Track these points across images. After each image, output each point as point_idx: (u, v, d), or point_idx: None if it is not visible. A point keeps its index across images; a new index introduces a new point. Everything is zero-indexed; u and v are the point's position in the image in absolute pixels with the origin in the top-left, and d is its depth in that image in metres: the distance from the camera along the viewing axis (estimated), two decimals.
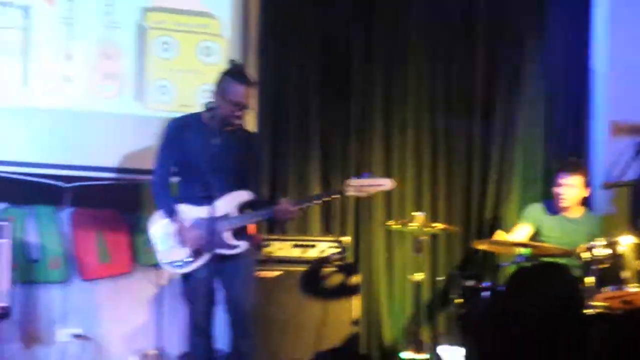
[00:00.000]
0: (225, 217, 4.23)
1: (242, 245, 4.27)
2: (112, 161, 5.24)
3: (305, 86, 5.71)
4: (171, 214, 4.33)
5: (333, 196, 4.95)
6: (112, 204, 5.42)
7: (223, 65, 4.82)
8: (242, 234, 4.33)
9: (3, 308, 4.85)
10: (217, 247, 4.24)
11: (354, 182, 4.47)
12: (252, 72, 5.49)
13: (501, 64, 6.02)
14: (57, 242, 5.41)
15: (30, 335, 5.34)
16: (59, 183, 5.29)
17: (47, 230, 5.38)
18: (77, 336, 5.41)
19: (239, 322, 4.43)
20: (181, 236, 4.28)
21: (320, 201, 5.13)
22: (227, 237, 4.27)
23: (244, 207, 4.36)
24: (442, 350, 5.17)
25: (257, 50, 5.65)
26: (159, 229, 4.36)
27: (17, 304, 5.09)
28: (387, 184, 4.72)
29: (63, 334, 5.38)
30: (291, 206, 4.44)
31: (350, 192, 4.49)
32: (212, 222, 4.11)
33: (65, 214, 5.42)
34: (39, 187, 5.27)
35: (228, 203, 4.25)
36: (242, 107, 4.30)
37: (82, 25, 5.25)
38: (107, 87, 5.31)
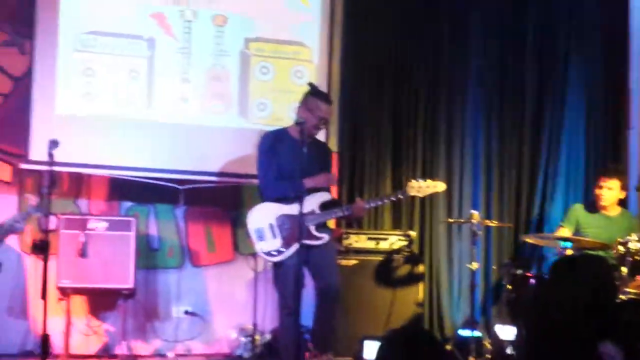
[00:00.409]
0: (311, 213, 4.61)
1: (325, 237, 4.68)
2: (218, 167, 5.60)
3: (379, 104, 5.97)
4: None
5: (399, 196, 5.20)
6: (217, 203, 5.82)
7: None
8: (325, 228, 4.77)
9: (129, 289, 5.30)
10: (305, 239, 4.49)
11: (414, 184, 4.90)
12: (335, 91, 5.84)
13: (549, 80, 6.21)
14: (173, 234, 5.89)
15: (151, 312, 5.79)
16: (175, 186, 5.68)
17: (165, 224, 5.86)
18: (188, 313, 5.79)
19: (324, 303, 4.79)
20: (275, 230, 4.70)
21: (388, 200, 5.48)
22: (313, 230, 4.66)
23: (325, 205, 4.75)
24: (499, 328, 5.34)
25: (340, 73, 5.89)
26: (256, 223, 4.73)
27: (141, 286, 5.54)
28: (440, 186, 5.06)
29: (177, 311, 5.81)
30: (365, 205, 4.91)
31: (412, 193, 4.91)
32: (300, 218, 4.42)
33: (180, 211, 5.88)
34: (159, 189, 5.67)
35: (313, 202, 4.66)
36: (326, 122, 4.80)
37: (196, 54, 5.66)
38: (216, 105, 5.71)
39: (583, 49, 6.27)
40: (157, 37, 5.58)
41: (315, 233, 4.67)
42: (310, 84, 4.92)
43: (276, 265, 4.74)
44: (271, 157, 4.79)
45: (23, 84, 5.49)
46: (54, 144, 3.97)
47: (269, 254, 4.70)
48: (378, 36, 6.01)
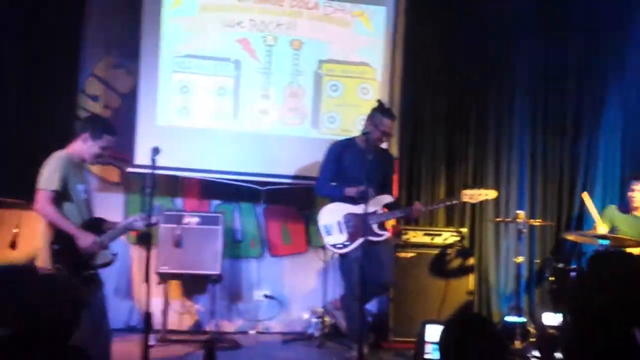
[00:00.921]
0: (374, 213, 4.87)
1: (385, 234, 4.98)
2: (293, 171, 5.80)
3: (434, 115, 6.15)
4: (343, 195, 4.91)
5: (453, 201, 5.37)
6: (292, 202, 6.02)
7: (375, 102, 5.45)
8: (385, 226, 5.05)
9: (217, 275, 5.50)
10: (368, 235, 4.69)
11: (468, 192, 5.08)
12: (395, 105, 5.97)
13: (588, 96, 6.28)
14: (254, 228, 6.10)
15: (235, 295, 6.00)
16: (257, 187, 5.87)
17: (247, 220, 6.08)
18: (267, 296, 6.01)
19: (381, 290, 5.11)
20: (342, 226, 4.98)
21: (443, 205, 5.63)
22: (375, 228, 4.92)
23: (387, 207, 5.03)
24: (545, 315, 5.31)
25: (400, 90, 6.08)
26: (325, 220, 5.01)
27: (226, 273, 5.80)
28: (491, 194, 5.16)
29: (257, 295, 6.01)
30: (422, 208, 5.09)
31: (465, 199, 5.09)
32: (364, 217, 4.67)
33: (260, 209, 6.08)
34: (243, 190, 5.90)
35: (376, 203, 4.93)
36: (388, 135, 5.06)
37: (275, 73, 5.87)
38: (292, 118, 5.90)
39: (622, 65, 6.28)
40: (242, 59, 5.83)
41: (377, 231, 4.95)
42: (379, 101, 5.19)
43: (342, 256, 5.00)
44: (333, 162, 5.08)
45: (129, 99, 5.82)
46: (155, 151, 4.07)
47: (335, 246, 5.00)
48: (433, 57, 6.17)
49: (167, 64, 5.75)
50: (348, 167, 5.02)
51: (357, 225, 4.90)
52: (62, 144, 5.55)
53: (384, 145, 5.31)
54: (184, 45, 5.78)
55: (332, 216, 5.02)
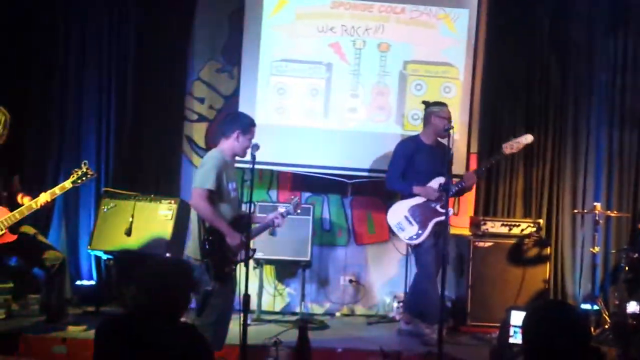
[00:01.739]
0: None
1: (450, 210, 5.08)
2: (379, 165, 5.80)
3: (513, 112, 6.17)
4: (411, 192, 5.13)
5: (498, 158, 5.34)
6: (377, 194, 6.00)
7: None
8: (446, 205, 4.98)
9: (307, 261, 5.68)
10: (434, 217, 5.07)
11: (507, 144, 5.17)
12: (476, 102, 6.08)
13: None
14: (341, 219, 6.21)
15: (323, 280, 6.10)
16: (344, 180, 5.98)
17: (335, 211, 6.20)
18: (352, 281, 6.11)
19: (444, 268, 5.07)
20: (410, 219, 5.15)
21: (489, 164, 5.46)
22: (438, 208, 5.11)
23: (442, 187, 5.02)
24: (625, 303, 5.18)
25: (481, 88, 6.15)
26: (394, 219, 5.19)
27: (315, 259, 5.90)
28: (528, 137, 5.23)
29: (343, 280, 6.12)
30: (473, 173, 5.32)
31: (507, 151, 5.17)
32: (428, 203, 5.12)
33: (347, 200, 6.18)
34: (331, 183, 5.99)
35: (434, 184, 5.12)
36: (450, 120, 5.08)
37: (364, 74, 5.98)
38: (378, 115, 6.01)
39: None
40: (334, 62, 5.97)
41: (440, 210, 5.11)
42: (424, 102, 5.39)
43: (416, 247, 5.16)
44: (402, 158, 5.26)
45: (231, 101, 6.03)
46: (255, 147, 4.14)
47: (411, 239, 5.17)
48: (513, 57, 6.19)
49: (266, 68, 5.93)
50: (417, 162, 5.20)
51: (423, 213, 5.13)
52: (172, 140, 5.99)
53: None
54: (280, 51, 5.95)
55: (399, 214, 5.22)
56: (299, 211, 4.75)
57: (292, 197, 4.71)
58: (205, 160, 4.27)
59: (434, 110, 5.23)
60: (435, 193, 5.10)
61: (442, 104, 5.29)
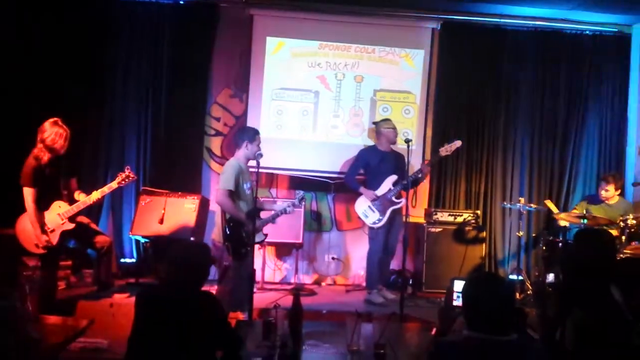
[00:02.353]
0: (389, 190, 5.19)
1: (402, 201, 5.12)
2: None
3: (458, 131, 6.01)
4: (358, 189, 5.24)
5: (437, 157, 5.38)
6: (354, 191, 5.57)
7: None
8: (400, 195, 5.16)
9: (300, 243, 5.71)
10: (391, 206, 5.13)
11: (442, 147, 5.29)
12: (430, 121, 6.03)
13: (573, 112, 6.18)
14: (326, 210, 6.16)
15: (312, 257, 6.09)
16: (328, 180, 5.95)
17: (321, 204, 6.15)
18: (334, 258, 6.09)
19: (392, 248, 5.33)
20: (373, 208, 5.21)
21: (435, 160, 5.53)
22: (393, 199, 5.18)
23: (395, 183, 5.20)
24: (548, 276, 5.13)
25: (433, 111, 6.11)
26: (360, 208, 5.27)
27: (306, 242, 5.91)
28: (458, 143, 5.31)
29: (327, 257, 6.11)
30: (426, 165, 5.40)
31: (442, 152, 5.28)
32: (385, 195, 5.13)
33: (330, 196, 6.13)
34: (319, 182, 5.96)
35: (388, 182, 5.20)
36: (395, 130, 5.31)
37: (343, 99, 5.95)
38: (354, 131, 5.97)
39: (598, 89, 6.21)
40: (320, 90, 5.94)
41: (395, 200, 5.18)
42: (374, 122, 5.53)
43: (374, 229, 5.22)
44: (360, 162, 5.36)
45: (241, 120, 6.01)
46: (259, 155, 4.24)
47: (374, 223, 5.23)
48: (457, 86, 6.14)
49: (268, 94, 5.91)
50: (374, 165, 5.29)
51: (382, 203, 5.18)
52: (195, 150, 5.95)
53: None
54: (279, 81, 5.92)
55: (363, 204, 5.28)
56: (303, 203, 4.86)
57: (298, 192, 4.74)
58: (226, 168, 4.30)
59: (382, 125, 5.35)
60: (372, 196, 5.18)
61: (387, 120, 5.43)
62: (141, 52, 5.90)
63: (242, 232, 4.20)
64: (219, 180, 4.31)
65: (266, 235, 4.40)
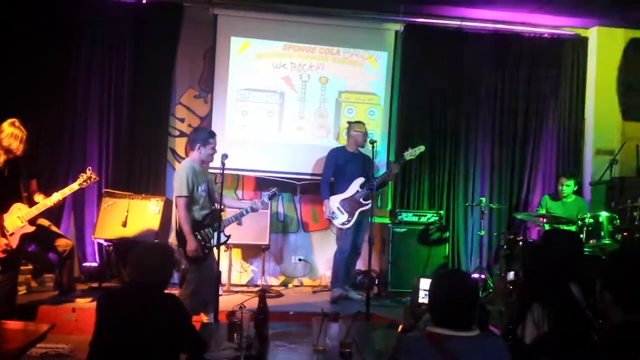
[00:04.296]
0: (357, 192, 5.21)
1: (369, 204, 5.12)
2: (320, 170, 5.48)
3: (421, 133, 6.12)
4: (327, 197, 5.22)
5: (403, 160, 5.38)
6: (320, 192, 5.52)
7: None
8: (368, 198, 5.18)
9: (266, 245, 5.65)
10: (359, 207, 5.15)
11: (407, 152, 5.34)
12: (394, 121, 6.05)
13: (532, 114, 6.31)
14: (292, 211, 6.14)
15: (278, 259, 6.07)
16: (294, 182, 5.96)
17: (287, 205, 6.13)
18: (301, 260, 6.09)
19: (356, 253, 5.39)
20: (342, 209, 5.22)
21: (402, 163, 5.46)
22: (361, 200, 5.20)
23: (362, 185, 5.23)
24: (509, 274, 4.99)
25: (397, 111, 6.15)
26: (331, 206, 5.25)
27: (272, 243, 5.87)
28: (421, 147, 5.37)
29: (294, 259, 6.10)
30: (395, 167, 5.37)
31: (407, 157, 5.35)
32: (353, 197, 5.16)
33: (297, 197, 6.12)
34: (285, 183, 5.89)
35: (356, 185, 5.23)
36: (365, 134, 5.30)
37: (309, 100, 5.95)
38: (320, 132, 5.99)
39: (556, 90, 6.32)
40: (285, 91, 5.93)
41: (363, 202, 5.20)
42: (348, 122, 5.50)
43: (342, 229, 5.23)
44: (331, 163, 5.33)
45: (206, 120, 5.96)
46: (224, 156, 4.09)
47: (343, 224, 5.24)
48: (420, 89, 6.19)
49: (233, 95, 5.86)
50: (343, 166, 5.30)
51: (350, 205, 5.21)
52: (159, 151, 5.85)
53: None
54: (244, 82, 5.88)
55: (332, 205, 5.26)
56: (274, 200, 4.72)
57: (272, 188, 4.63)
58: (178, 171, 4.20)
59: (353, 127, 5.36)
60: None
61: (360, 123, 5.40)
62: (103, 51, 5.80)
63: (197, 237, 4.12)
64: (174, 185, 4.17)
65: (228, 236, 4.29)
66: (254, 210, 4.46)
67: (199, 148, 4.20)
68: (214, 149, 4.25)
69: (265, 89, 5.90)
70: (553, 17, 6.05)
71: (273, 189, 4.59)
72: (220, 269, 4.19)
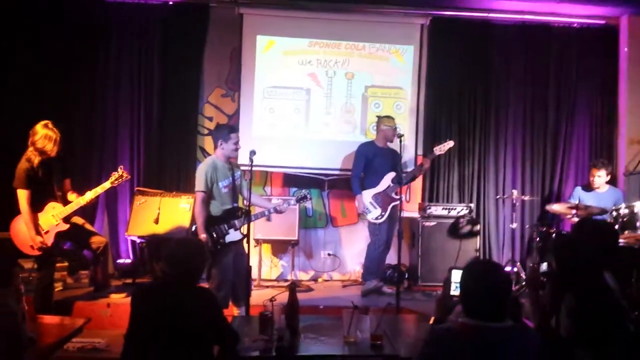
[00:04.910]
0: (388, 187, 5.20)
1: (401, 197, 5.12)
2: (348, 165, 5.61)
3: (449, 126, 6.11)
4: (359, 192, 5.21)
5: (434, 156, 5.39)
6: (348, 187, 5.61)
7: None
8: (398, 192, 5.16)
9: (295, 240, 5.67)
10: (391, 202, 5.15)
11: (436, 147, 5.34)
12: (421, 115, 5.99)
13: (563, 104, 6.19)
14: (321, 207, 6.14)
15: (308, 254, 6.08)
16: (322, 177, 5.99)
17: (316, 201, 6.10)
18: (330, 255, 6.08)
19: (389, 242, 5.28)
20: (374, 204, 5.20)
21: (431, 158, 5.42)
22: (393, 195, 5.19)
23: (394, 180, 5.21)
24: (542, 266, 4.87)
25: (424, 106, 6.09)
26: (364, 201, 5.23)
27: (301, 238, 5.91)
28: (451, 143, 5.38)
29: (323, 254, 6.10)
30: (426, 163, 5.37)
31: (437, 153, 5.33)
32: (385, 191, 5.16)
33: (325, 193, 6.13)
34: (313, 179, 5.98)
35: (387, 180, 5.21)
36: (395, 129, 5.24)
37: (335, 96, 5.94)
38: (346, 128, 5.98)
39: (587, 79, 6.20)
40: (312, 88, 5.94)
41: (394, 197, 5.20)
42: (377, 116, 5.48)
43: (376, 224, 5.20)
44: (361, 158, 5.30)
45: (233, 118, 5.99)
46: (252, 153, 4.16)
47: (376, 218, 5.21)
48: (447, 81, 6.13)
49: (259, 93, 5.89)
50: (373, 161, 5.28)
51: (383, 199, 5.18)
52: (187, 149, 5.92)
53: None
54: (270, 79, 5.90)
55: (365, 200, 5.24)
56: (304, 203, 4.66)
57: (304, 191, 4.59)
58: (199, 168, 4.28)
59: (383, 122, 5.33)
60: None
61: (390, 118, 5.37)
62: (132, 52, 5.88)
63: (211, 231, 4.17)
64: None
65: (245, 235, 4.25)
66: (277, 211, 4.45)
67: (221, 144, 4.26)
68: (236, 144, 4.28)
69: (291, 86, 5.91)
70: (582, 6, 5.93)
71: (304, 192, 4.54)
72: (250, 265, 4.18)
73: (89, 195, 4.50)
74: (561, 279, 2.64)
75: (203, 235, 4.12)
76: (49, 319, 3.29)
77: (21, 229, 4.37)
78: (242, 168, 4.54)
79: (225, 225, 4.23)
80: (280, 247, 6.01)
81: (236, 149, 4.31)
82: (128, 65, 5.88)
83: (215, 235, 4.19)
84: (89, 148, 5.83)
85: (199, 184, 4.17)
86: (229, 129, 4.37)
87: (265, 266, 5.93)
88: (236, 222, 4.24)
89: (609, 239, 2.81)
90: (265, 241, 5.78)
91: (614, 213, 4.98)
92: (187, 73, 5.93)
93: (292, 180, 6.06)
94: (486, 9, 6.04)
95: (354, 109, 5.98)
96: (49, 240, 4.41)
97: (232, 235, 4.23)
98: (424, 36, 6.03)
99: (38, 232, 4.36)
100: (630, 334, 2.40)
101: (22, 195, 4.29)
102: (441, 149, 5.33)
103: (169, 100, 5.91)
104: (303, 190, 4.55)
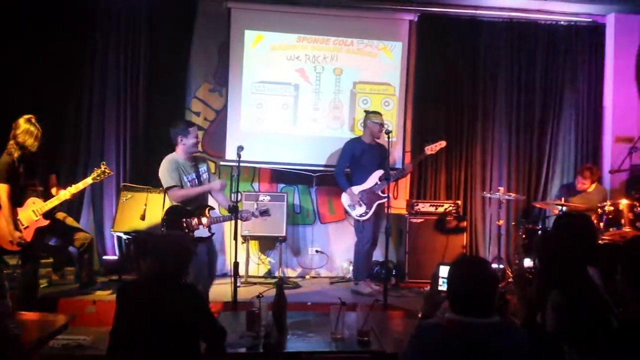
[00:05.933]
0: (375, 184, 5.19)
1: (388, 195, 4.93)
2: (336, 161, 5.47)
3: (437, 122, 6.09)
4: (348, 187, 5.21)
5: (423, 156, 5.34)
6: (335, 183, 5.46)
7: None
8: (384, 191, 5.13)
9: (283, 236, 5.65)
10: (377, 200, 5.14)
11: (428, 146, 5.28)
12: (409, 112, 6.01)
13: (549, 103, 6.23)
14: (308, 203, 6.14)
15: (295, 250, 6.07)
16: (310, 173, 5.96)
17: (304, 197, 6.12)
18: (318, 251, 6.08)
19: (376, 239, 5.33)
20: (360, 200, 5.19)
21: (419, 160, 5.48)
22: (379, 193, 5.18)
23: (381, 178, 5.20)
24: (525, 261, 4.88)
25: (412, 101, 6.13)
26: (347, 201, 5.25)
27: (289, 235, 5.89)
28: (443, 143, 5.33)
29: (311, 250, 6.10)
30: (411, 165, 5.40)
31: (428, 152, 5.28)
32: (372, 189, 5.14)
33: (313, 189, 6.12)
34: (300, 175, 5.96)
35: (375, 177, 5.20)
36: (382, 125, 5.23)
37: (323, 92, 5.92)
38: (334, 124, 5.96)
39: (573, 84, 6.23)
40: (300, 83, 5.91)
41: (381, 195, 5.18)
42: (365, 111, 5.44)
43: (361, 221, 5.20)
44: (347, 155, 5.28)
45: (221, 114, 5.97)
46: (240, 148, 4.17)
47: (360, 216, 5.21)
48: (435, 79, 6.14)
49: (247, 88, 5.86)
50: (360, 157, 5.25)
51: (369, 197, 5.17)
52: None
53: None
54: (258, 75, 5.87)
55: (350, 197, 5.24)
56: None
57: (264, 207, 4.44)
58: (160, 169, 4.22)
59: (370, 118, 5.29)
60: (356, 198, 5.17)
61: (377, 113, 5.34)
62: (119, 46, 5.81)
63: (182, 223, 4.13)
64: (161, 180, 4.21)
65: (213, 233, 4.26)
66: (242, 219, 4.38)
67: (181, 140, 4.22)
68: (196, 137, 4.27)
69: (279, 81, 5.88)
70: (569, 4, 5.96)
71: (264, 208, 4.42)
72: (237, 261, 4.18)
73: (70, 190, 4.46)
74: (546, 275, 2.63)
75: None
76: (33, 316, 3.25)
77: (0, 224, 4.30)
78: (230, 164, 4.49)
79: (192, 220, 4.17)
80: (267, 244, 5.99)
81: (196, 143, 4.29)
82: (114, 60, 5.80)
83: (186, 227, 4.14)
84: (75, 143, 5.76)
85: (167, 180, 4.14)
86: (186, 124, 4.35)
87: (252, 263, 5.90)
88: (203, 219, 4.18)
89: (585, 231, 2.81)
90: (253, 238, 5.76)
91: (599, 210, 5.02)
92: (174, 67, 5.89)
93: (280, 176, 6.04)
94: (474, 5, 6.05)
95: (342, 105, 5.97)
96: (29, 235, 4.36)
97: (201, 232, 4.19)
98: (412, 32, 6.01)
99: (17, 228, 4.30)
100: (614, 328, 2.38)
101: (2, 189, 4.24)
102: (432, 148, 5.29)
103: (156, 95, 5.84)
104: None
